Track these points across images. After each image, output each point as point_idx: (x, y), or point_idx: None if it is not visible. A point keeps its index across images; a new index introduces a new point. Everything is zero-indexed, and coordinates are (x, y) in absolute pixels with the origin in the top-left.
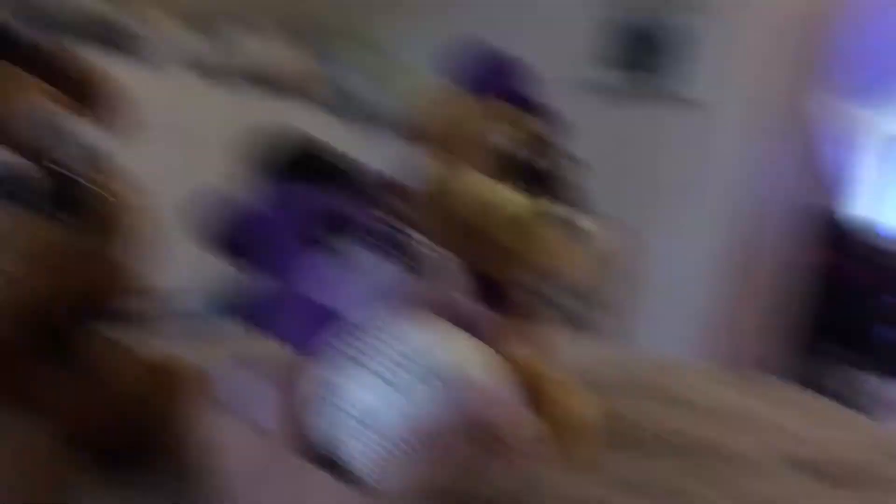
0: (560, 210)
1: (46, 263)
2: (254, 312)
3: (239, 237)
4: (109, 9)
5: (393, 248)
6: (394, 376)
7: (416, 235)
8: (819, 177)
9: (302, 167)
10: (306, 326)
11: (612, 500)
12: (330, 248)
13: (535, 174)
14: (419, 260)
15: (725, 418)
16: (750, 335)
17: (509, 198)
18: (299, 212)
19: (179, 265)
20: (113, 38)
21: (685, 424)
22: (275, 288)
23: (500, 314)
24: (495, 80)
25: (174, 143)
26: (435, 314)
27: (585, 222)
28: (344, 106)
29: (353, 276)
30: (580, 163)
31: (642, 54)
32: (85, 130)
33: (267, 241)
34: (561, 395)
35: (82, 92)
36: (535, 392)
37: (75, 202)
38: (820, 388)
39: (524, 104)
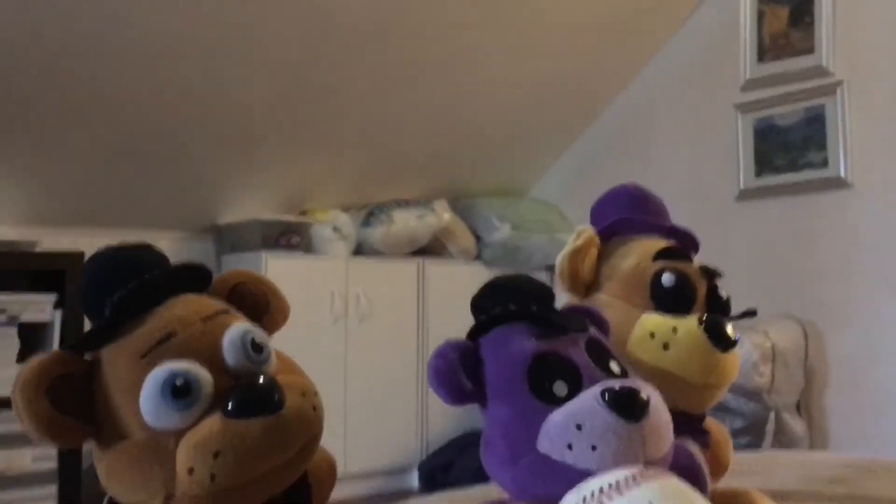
0: (720, 324)
1: (247, 463)
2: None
3: (463, 381)
4: (285, 216)
5: (617, 397)
6: None
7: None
8: None
9: (516, 305)
10: (536, 478)
11: None
12: (551, 394)
13: (689, 299)
14: (641, 406)
15: None
16: None
17: (684, 328)
18: (520, 354)
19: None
20: (292, 239)
21: None
22: (497, 433)
23: (702, 446)
24: (639, 217)
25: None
26: (661, 466)
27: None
28: (497, 257)
29: (581, 425)
30: (722, 274)
31: (787, 151)
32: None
33: (491, 384)
34: None
35: (263, 307)
36: None
37: (272, 405)
38: None
39: (669, 234)
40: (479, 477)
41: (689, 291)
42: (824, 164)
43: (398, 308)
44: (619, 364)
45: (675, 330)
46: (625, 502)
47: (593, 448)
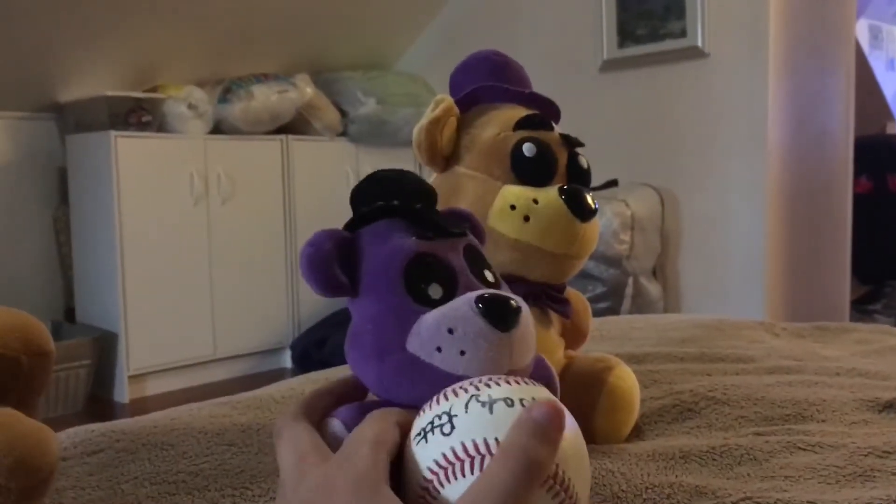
0: (580, 194)
1: None
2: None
3: (336, 273)
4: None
5: (490, 305)
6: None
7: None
8: (875, 100)
9: (392, 200)
10: (401, 377)
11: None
12: (426, 295)
13: (550, 169)
14: (513, 316)
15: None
16: (815, 283)
17: (545, 199)
18: (399, 252)
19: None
20: (142, 117)
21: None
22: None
23: (563, 316)
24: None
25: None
26: (523, 375)
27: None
28: (363, 133)
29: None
30: (583, 144)
31: (648, 20)
32: None
33: (365, 278)
34: (613, 378)
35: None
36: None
37: None
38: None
39: (530, 101)
40: None
41: (551, 162)
42: (683, 34)
43: (262, 188)
44: (494, 274)
45: (535, 201)
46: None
47: (462, 353)
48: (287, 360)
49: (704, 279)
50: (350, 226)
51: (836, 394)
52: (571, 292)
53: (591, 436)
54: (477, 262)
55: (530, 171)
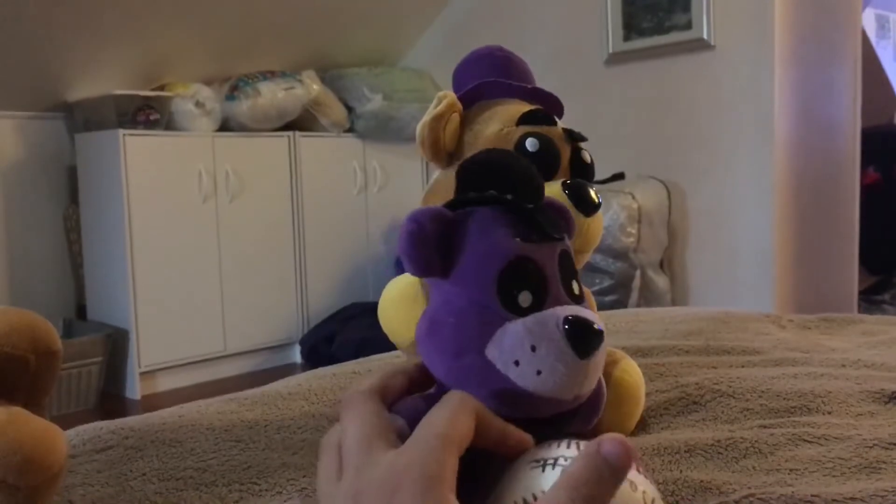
0: (584, 188)
1: None
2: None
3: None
4: (142, 91)
5: (578, 331)
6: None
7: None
8: (882, 90)
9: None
10: (472, 380)
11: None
12: (515, 302)
13: (553, 164)
14: (596, 345)
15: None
16: (823, 274)
17: (548, 193)
18: (500, 251)
19: None
20: (150, 115)
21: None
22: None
23: None
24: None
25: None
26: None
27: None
28: (370, 129)
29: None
30: (586, 139)
31: (653, 13)
32: None
33: (459, 267)
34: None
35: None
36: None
37: None
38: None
39: (533, 97)
40: (360, 349)
41: (554, 157)
42: (688, 26)
43: (271, 184)
44: (580, 285)
45: None
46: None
47: (538, 373)
48: (296, 356)
49: (712, 271)
50: (454, 204)
51: (842, 385)
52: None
53: (597, 429)
54: (567, 271)
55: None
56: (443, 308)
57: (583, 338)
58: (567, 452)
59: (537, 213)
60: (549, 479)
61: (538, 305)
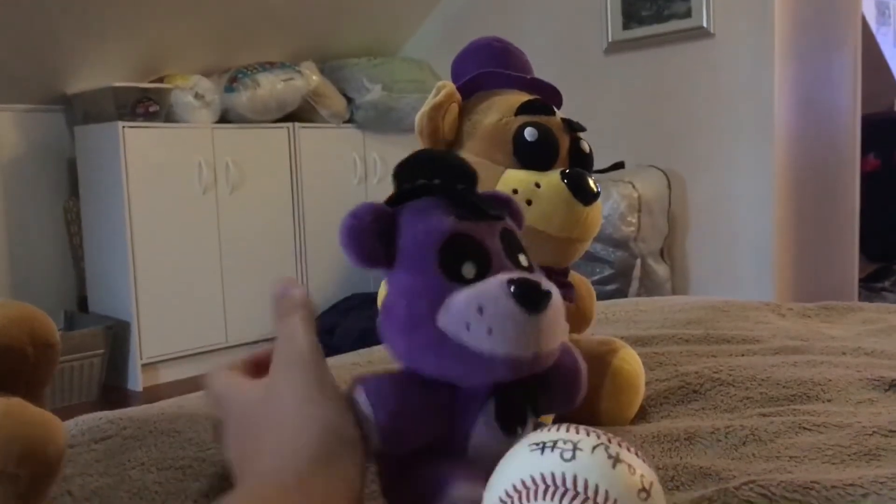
0: (582, 177)
1: None
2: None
3: (377, 246)
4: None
5: (521, 287)
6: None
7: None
8: (883, 77)
9: (430, 178)
10: (428, 351)
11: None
12: (459, 273)
13: (552, 154)
14: (543, 299)
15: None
16: (823, 261)
17: (547, 182)
18: (436, 229)
19: None
20: (150, 107)
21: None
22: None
23: (566, 300)
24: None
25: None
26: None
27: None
28: (370, 120)
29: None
30: (584, 129)
31: (653, 1)
32: None
33: (401, 252)
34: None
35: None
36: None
37: None
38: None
39: (532, 87)
40: (362, 340)
41: (552, 146)
42: (688, 14)
43: (271, 175)
44: (528, 259)
45: (537, 185)
46: None
47: (489, 331)
48: None
49: (712, 260)
50: (392, 201)
51: (842, 373)
52: (576, 277)
53: (597, 418)
54: (512, 246)
55: (532, 156)
56: (393, 293)
57: (528, 293)
58: (566, 436)
59: (469, 194)
60: (547, 459)
61: (483, 276)
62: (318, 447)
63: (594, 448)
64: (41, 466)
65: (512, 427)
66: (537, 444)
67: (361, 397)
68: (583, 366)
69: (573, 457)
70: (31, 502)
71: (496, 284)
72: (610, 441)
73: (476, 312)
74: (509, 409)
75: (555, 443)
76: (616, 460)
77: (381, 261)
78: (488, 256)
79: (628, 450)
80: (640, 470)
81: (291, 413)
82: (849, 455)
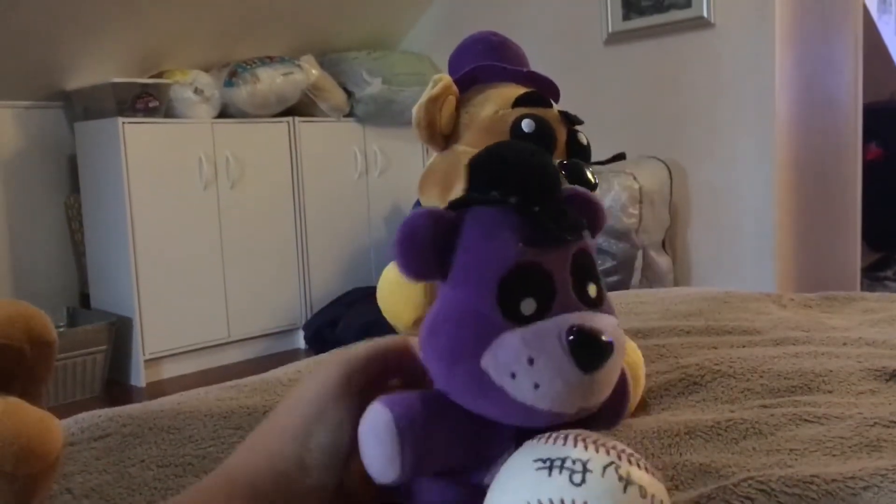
0: (580, 168)
1: None
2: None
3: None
4: (140, 78)
5: (580, 342)
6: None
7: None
8: (884, 65)
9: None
10: (466, 390)
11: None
12: (517, 310)
13: (549, 145)
14: (601, 358)
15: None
16: (825, 251)
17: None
18: (501, 257)
19: None
20: (149, 102)
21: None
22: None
23: None
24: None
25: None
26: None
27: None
28: (370, 113)
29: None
30: (582, 121)
31: None
32: None
33: (459, 269)
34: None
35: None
36: None
37: None
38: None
39: (528, 80)
40: (365, 333)
41: (550, 138)
42: (688, 4)
43: (271, 170)
44: (599, 288)
45: None
46: None
47: (536, 386)
48: (300, 341)
49: (714, 250)
50: (457, 204)
51: (843, 364)
52: None
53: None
54: (583, 273)
55: None
56: (442, 312)
57: (587, 350)
58: (574, 454)
59: (546, 214)
60: (555, 483)
61: (543, 313)
62: (253, 486)
63: (605, 469)
64: (38, 466)
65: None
66: (544, 462)
67: (387, 420)
68: (629, 377)
69: (583, 480)
70: (28, 501)
71: (553, 334)
72: (620, 457)
73: (525, 363)
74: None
75: (563, 462)
76: (627, 482)
77: (435, 273)
78: (553, 292)
79: (638, 465)
80: (651, 489)
81: (265, 432)
82: (850, 447)
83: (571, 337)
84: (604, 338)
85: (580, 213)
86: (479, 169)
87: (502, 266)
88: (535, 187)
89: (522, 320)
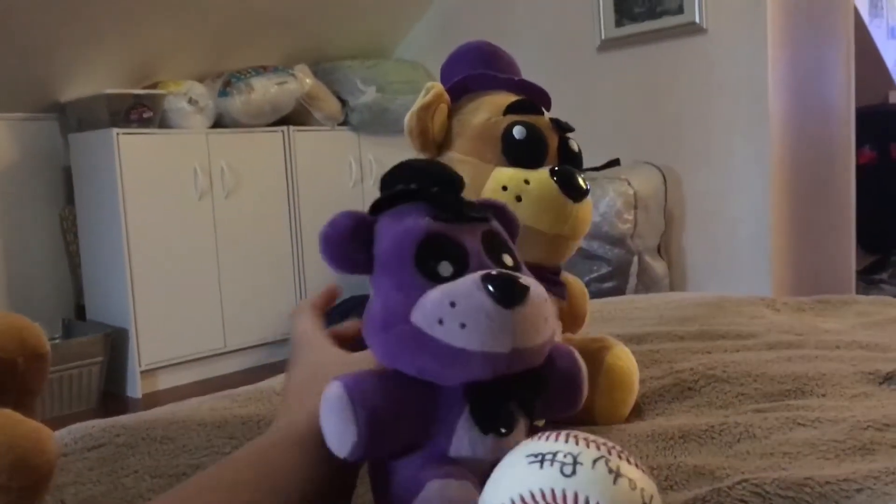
0: (572, 174)
1: None
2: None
3: (356, 252)
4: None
5: (495, 282)
6: None
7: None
8: (876, 69)
9: (411, 183)
10: (403, 347)
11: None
12: (435, 272)
13: (540, 152)
14: (518, 294)
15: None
16: (821, 254)
17: (536, 179)
18: (412, 230)
19: None
20: (143, 113)
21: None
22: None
23: (556, 295)
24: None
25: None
26: (533, 358)
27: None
28: (364, 122)
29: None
30: (573, 129)
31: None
32: None
33: (380, 257)
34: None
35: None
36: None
37: None
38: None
39: (520, 89)
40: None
41: (541, 144)
42: (680, 10)
43: (266, 179)
44: (515, 259)
45: (527, 181)
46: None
47: (462, 326)
48: None
49: (709, 255)
50: (374, 209)
51: (836, 367)
52: (569, 277)
53: (591, 416)
54: (495, 246)
55: (521, 154)
56: (374, 297)
57: (503, 287)
58: (565, 447)
59: (446, 196)
60: (547, 474)
61: (460, 274)
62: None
63: (595, 462)
64: (32, 478)
65: (492, 427)
66: (536, 456)
67: (340, 393)
68: (583, 368)
69: (573, 472)
70: None
71: (470, 279)
72: (610, 452)
73: (448, 307)
74: (486, 408)
75: (554, 455)
76: (617, 475)
77: (360, 267)
78: (466, 256)
79: (628, 461)
80: (641, 483)
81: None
82: (843, 450)
83: (486, 280)
84: (520, 280)
85: (497, 219)
86: (389, 177)
87: (415, 237)
88: (436, 176)
89: (443, 281)
